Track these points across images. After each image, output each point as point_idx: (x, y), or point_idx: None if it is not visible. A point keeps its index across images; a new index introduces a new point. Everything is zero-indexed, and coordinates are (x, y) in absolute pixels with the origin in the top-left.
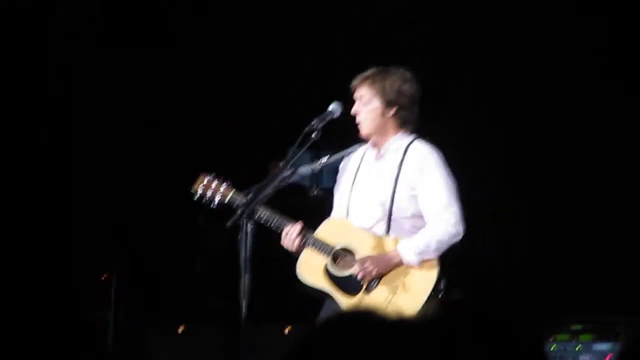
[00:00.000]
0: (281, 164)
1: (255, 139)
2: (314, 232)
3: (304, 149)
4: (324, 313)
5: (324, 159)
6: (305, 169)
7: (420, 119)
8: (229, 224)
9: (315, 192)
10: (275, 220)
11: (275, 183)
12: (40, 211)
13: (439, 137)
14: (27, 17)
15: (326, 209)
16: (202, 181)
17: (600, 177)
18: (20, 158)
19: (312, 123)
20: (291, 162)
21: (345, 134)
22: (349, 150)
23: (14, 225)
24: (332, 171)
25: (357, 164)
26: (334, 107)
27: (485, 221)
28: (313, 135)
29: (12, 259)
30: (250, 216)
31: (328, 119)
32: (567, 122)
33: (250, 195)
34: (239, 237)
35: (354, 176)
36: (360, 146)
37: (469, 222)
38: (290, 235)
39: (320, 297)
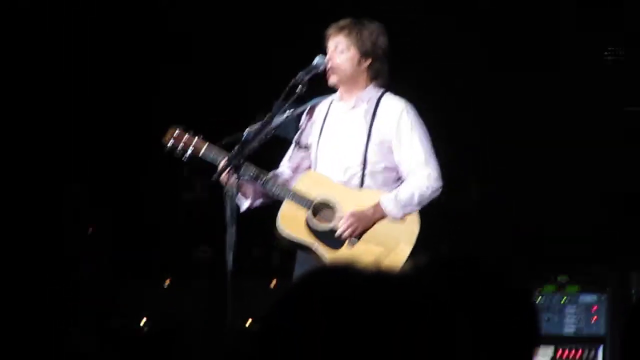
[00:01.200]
0: (267, 116)
1: (247, 98)
2: (270, 174)
3: (288, 103)
4: (300, 267)
5: (290, 111)
6: (276, 120)
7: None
8: (213, 177)
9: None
10: (260, 175)
11: (261, 136)
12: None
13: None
14: (26, 17)
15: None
16: (173, 133)
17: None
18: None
19: (297, 76)
20: (276, 115)
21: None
22: (311, 102)
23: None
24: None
25: (323, 116)
26: (318, 61)
27: (467, 175)
28: (298, 89)
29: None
30: (237, 169)
31: (313, 72)
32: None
33: (235, 149)
34: (225, 190)
35: (320, 128)
36: (324, 98)
37: (452, 177)
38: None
39: (295, 250)
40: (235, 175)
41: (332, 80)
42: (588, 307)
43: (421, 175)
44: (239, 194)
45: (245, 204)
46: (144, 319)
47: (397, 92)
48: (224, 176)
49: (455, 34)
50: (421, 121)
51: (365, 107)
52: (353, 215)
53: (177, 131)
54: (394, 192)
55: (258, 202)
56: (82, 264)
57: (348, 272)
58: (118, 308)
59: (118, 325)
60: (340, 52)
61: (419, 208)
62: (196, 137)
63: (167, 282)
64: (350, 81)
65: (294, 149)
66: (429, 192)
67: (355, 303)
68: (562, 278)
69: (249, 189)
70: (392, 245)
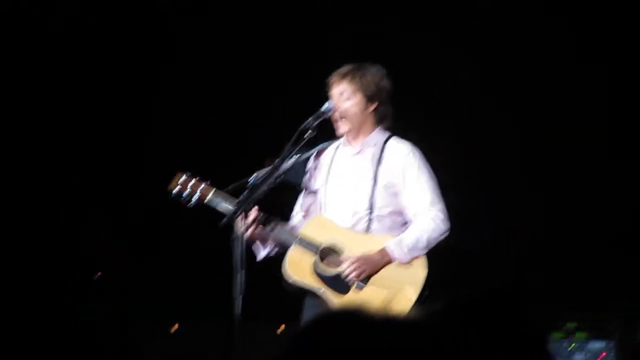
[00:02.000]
0: (276, 161)
1: (251, 144)
2: (279, 220)
3: (298, 147)
4: (308, 312)
5: (296, 156)
6: (284, 165)
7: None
8: (222, 222)
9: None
10: (267, 221)
11: (269, 181)
12: (38, 208)
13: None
14: (26, 17)
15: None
16: (179, 180)
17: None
18: (19, 155)
19: (307, 121)
20: (285, 160)
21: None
22: (317, 147)
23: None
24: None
25: (330, 161)
26: (328, 106)
27: (474, 218)
28: (307, 134)
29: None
30: (245, 215)
31: (322, 117)
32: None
33: (244, 194)
34: (233, 235)
35: (326, 173)
36: (330, 143)
37: (459, 219)
38: (247, 220)
39: (302, 295)
40: (244, 221)
41: (344, 129)
42: (596, 353)
43: (428, 217)
44: (256, 243)
45: (262, 253)
46: None
47: (401, 133)
48: (233, 221)
49: (459, 72)
50: (427, 164)
51: (371, 152)
52: (359, 258)
53: (183, 177)
54: (401, 236)
55: (274, 251)
56: (90, 306)
57: (355, 319)
58: (123, 354)
59: None
60: (346, 99)
61: (426, 251)
62: (203, 184)
63: (174, 327)
64: (358, 127)
65: (302, 194)
66: (436, 234)
67: (363, 350)
68: (570, 325)
69: (265, 237)
70: (398, 290)
